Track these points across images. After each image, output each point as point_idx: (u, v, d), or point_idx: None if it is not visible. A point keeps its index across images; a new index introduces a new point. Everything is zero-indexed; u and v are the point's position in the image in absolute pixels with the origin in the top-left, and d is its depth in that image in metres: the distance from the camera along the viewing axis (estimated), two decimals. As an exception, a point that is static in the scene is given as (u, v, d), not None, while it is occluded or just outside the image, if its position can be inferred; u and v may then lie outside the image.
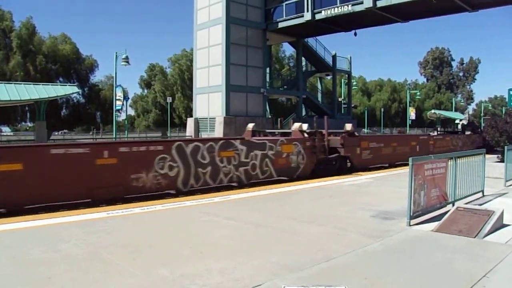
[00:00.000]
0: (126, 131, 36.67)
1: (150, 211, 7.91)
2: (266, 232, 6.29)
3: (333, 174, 14.14)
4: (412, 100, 65.00)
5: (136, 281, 4.26)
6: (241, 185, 11.87)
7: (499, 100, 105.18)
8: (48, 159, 8.67)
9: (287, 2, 29.77)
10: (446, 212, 7.02)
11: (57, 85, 30.52)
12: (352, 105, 46.86)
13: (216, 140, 11.89)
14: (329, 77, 44.01)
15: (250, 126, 15.33)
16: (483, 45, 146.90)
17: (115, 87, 28.97)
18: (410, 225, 6.59)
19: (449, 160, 7.80)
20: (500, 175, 11.61)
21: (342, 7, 26.58)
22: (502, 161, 13.85)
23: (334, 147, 15.12)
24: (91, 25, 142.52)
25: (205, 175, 11.12)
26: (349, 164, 15.86)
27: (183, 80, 56.95)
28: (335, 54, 36.80)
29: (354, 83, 52.25)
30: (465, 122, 36.41)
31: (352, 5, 26.02)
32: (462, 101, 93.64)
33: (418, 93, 64.55)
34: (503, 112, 45.69)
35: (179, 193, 10.44)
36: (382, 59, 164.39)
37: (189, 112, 47.94)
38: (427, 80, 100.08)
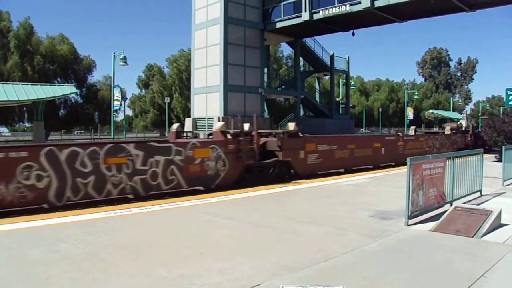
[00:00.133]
0: (124, 132, 36.65)
1: (148, 211, 7.91)
2: (265, 232, 6.30)
3: (270, 183, 12.07)
4: (410, 100, 65.11)
5: (135, 281, 4.26)
6: (137, 197, 10.06)
7: (496, 100, 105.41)
8: None
9: (285, 2, 29.78)
10: (444, 212, 7.04)
11: (55, 85, 30.53)
12: (350, 105, 46.92)
13: (101, 144, 10.03)
14: (327, 77, 44.10)
15: (174, 126, 12.87)
16: (481, 45, 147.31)
17: (113, 87, 28.98)
18: (408, 225, 6.60)
19: (447, 160, 7.82)
20: (498, 175, 11.64)
21: (340, 7, 26.60)
22: (500, 160, 13.89)
23: (272, 151, 13.12)
24: (89, 25, 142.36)
25: (86, 186, 9.25)
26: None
27: (181, 80, 56.95)
28: (333, 54, 36.83)
29: (352, 83, 52.35)
30: (463, 122, 35.56)
31: (350, 5, 26.04)
32: (460, 101, 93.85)
33: (416, 93, 64.67)
34: (501, 112, 45.83)
35: (52, 208, 8.73)
36: (380, 59, 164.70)
37: (187, 112, 47.93)
38: (425, 80, 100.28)
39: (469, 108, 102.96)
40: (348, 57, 39.46)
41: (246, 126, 14.54)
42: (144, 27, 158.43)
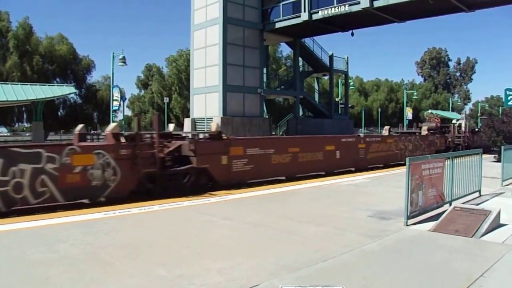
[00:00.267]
0: (123, 132, 36.60)
1: (148, 211, 7.91)
2: (264, 232, 6.30)
3: (185, 194, 10.01)
4: (409, 100, 65.18)
5: (134, 281, 4.26)
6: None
7: (495, 100, 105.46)
8: None
9: (284, 2, 29.78)
10: (443, 212, 7.05)
11: (54, 85, 30.53)
12: (349, 105, 46.93)
13: None
14: (326, 77, 44.11)
15: (78, 128, 10.89)
16: (480, 45, 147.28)
17: (112, 88, 28.97)
18: (407, 225, 6.61)
19: (446, 160, 7.83)
20: (497, 175, 11.67)
21: (339, 7, 26.61)
22: (499, 161, 13.92)
23: (188, 156, 11.20)
24: (88, 26, 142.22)
25: None
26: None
27: (180, 80, 56.91)
28: (332, 54, 36.84)
29: (351, 83, 52.33)
30: (462, 121, 34.80)
31: (349, 5, 26.04)
32: (459, 101, 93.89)
33: (415, 93, 64.73)
34: (500, 112, 45.88)
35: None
36: (379, 59, 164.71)
37: (186, 112, 47.91)
38: (424, 80, 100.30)
39: (468, 108, 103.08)
40: (347, 57, 39.47)
41: (171, 127, 12.91)
42: (143, 27, 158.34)
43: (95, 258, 4.99)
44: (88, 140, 10.84)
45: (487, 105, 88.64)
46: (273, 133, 36.57)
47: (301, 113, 36.67)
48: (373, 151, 17.66)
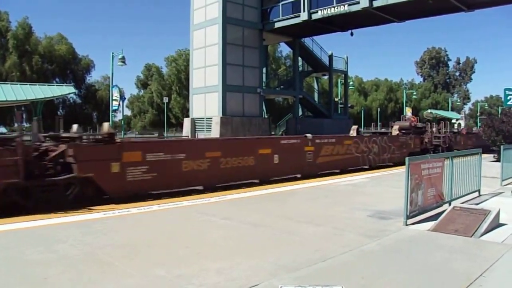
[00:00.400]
0: (122, 132, 36.60)
1: (147, 211, 7.90)
2: (263, 232, 6.29)
3: (66, 208, 8.31)
4: (408, 100, 65.19)
5: (133, 281, 4.25)
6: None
7: (495, 100, 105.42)
8: None
9: (283, 2, 29.78)
10: (442, 212, 7.05)
11: (53, 85, 30.51)
12: (349, 105, 46.92)
13: None
14: (325, 77, 44.09)
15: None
16: (479, 45, 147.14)
17: (112, 87, 28.95)
18: (406, 225, 6.60)
19: (446, 160, 7.83)
20: (497, 175, 11.66)
21: (339, 7, 26.60)
22: (498, 160, 13.92)
23: (70, 163, 9.30)
24: (87, 25, 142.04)
25: None
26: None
27: (179, 80, 56.93)
28: (332, 54, 36.85)
29: (351, 83, 52.33)
30: (461, 122, 34.19)
31: (349, 5, 26.04)
32: (459, 100, 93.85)
33: (414, 93, 64.76)
34: (499, 111, 45.88)
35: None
36: (379, 59, 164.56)
37: (185, 112, 47.90)
38: (424, 79, 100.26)
39: (467, 108, 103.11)
40: (347, 57, 39.47)
41: (75, 128, 10.75)
42: (142, 27, 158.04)
43: (93, 258, 4.98)
44: None
45: (486, 105, 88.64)
46: (273, 132, 36.56)
47: (300, 113, 36.66)
48: (326, 155, 15.40)
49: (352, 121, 38.64)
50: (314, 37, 35.40)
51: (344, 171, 15.70)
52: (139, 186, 10.18)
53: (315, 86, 44.41)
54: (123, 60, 26.90)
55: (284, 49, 58.71)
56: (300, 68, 37.26)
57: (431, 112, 59.17)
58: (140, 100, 63.15)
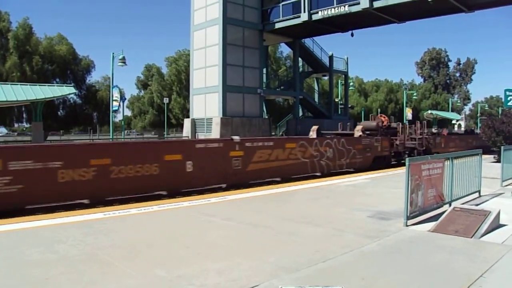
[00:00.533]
0: (122, 132, 36.59)
1: (147, 211, 7.90)
2: (264, 233, 6.29)
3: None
4: (409, 101, 65.14)
5: (133, 281, 4.25)
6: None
7: (495, 101, 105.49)
8: None
9: (283, 3, 29.81)
10: (443, 213, 7.05)
11: (54, 85, 30.48)
12: (349, 106, 46.95)
13: None
14: (326, 78, 44.15)
15: None
16: (480, 46, 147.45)
17: (112, 88, 28.92)
18: (407, 226, 6.60)
19: (446, 161, 7.83)
20: (497, 175, 11.65)
21: (339, 7, 26.63)
22: (498, 161, 13.91)
23: None
24: (87, 26, 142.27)
25: None
26: None
27: (180, 80, 56.92)
28: (332, 54, 36.89)
29: (351, 84, 52.33)
30: (461, 122, 33.73)
31: (349, 5, 26.07)
32: (459, 101, 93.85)
33: (414, 94, 64.72)
34: (500, 112, 45.88)
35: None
36: (379, 59, 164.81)
37: (185, 113, 47.89)
38: (424, 80, 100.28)
39: (468, 108, 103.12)
40: (347, 58, 39.52)
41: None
42: (143, 28, 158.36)
43: (94, 258, 4.98)
44: None
45: (486, 106, 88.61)
46: (273, 133, 36.58)
47: (301, 114, 36.68)
48: (260, 161, 13.15)
49: (353, 122, 38.68)
50: (315, 38, 35.46)
51: (290, 179, 13.56)
52: None
53: (316, 87, 44.44)
54: (123, 60, 26.90)
55: (285, 50, 58.79)
56: (301, 69, 37.30)
57: (431, 113, 59.13)
58: (140, 100, 63.11)
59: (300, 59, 36.22)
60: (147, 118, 60.56)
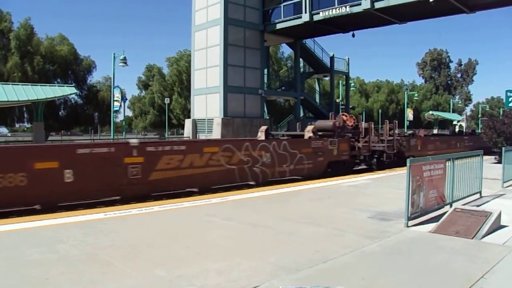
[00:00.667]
0: (123, 132, 36.62)
1: (147, 212, 7.90)
2: (264, 233, 6.29)
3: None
4: (410, 102, 65.10)
5: (134, 281, 4.25)
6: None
7: (496, 101, 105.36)
8: None
9: (285, 3, 29.80)
10: (444, 213, 7.04)
11: (55, 85, 30.48)
12: (350, 106, 46.93)
13: None
14: (327, 78, 44.11)
15: None
16: (481, 46, 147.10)
17: (113, 88, 28.95)
18: (408, 226, 6.60)
19: (447, 161, 7.82)
20: (498, 176, 11.64)
21: (340, 8, 26.61)
22: (499, 162, 13.89)
23: None
24: (89, 26, 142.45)
25: None
26: None
27: (181, 81, 56.94)
28: (333, 55, 36.86)
29: (352, 84, 52.30)
30: (462, 123, 33.27)
31: (350, 6, 26.04)
32: (460, 102, 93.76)
33: (416, 95, 64.67)
34: (501, 113, 45.82)
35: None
36: (380, 60, 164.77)
37: (186, 113, 47.89)
38: (425, 81, 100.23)
39: (469, 109, 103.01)
40: (348, 58, 39.48)
41: None
42: (144, 28, 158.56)
43: (94, 258, 4.98)
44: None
45: (488, 106, 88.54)
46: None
47: (301, 114, 36.67)
48: (168, 168, 10.83)
49: (353, 122, 38.57)
50: (316, 38, 35.41)
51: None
52: None
53: (317, 87, 44.42)
54: (124, 60, 26.90)
55: (286, 50, 58.83)
56: (302, 69, 37.28)
57: (432, 114, 59.13)
58: (141, 101, 63.10)
59: (301, 59, 36.20)
60: (148, 118, 60.56)
